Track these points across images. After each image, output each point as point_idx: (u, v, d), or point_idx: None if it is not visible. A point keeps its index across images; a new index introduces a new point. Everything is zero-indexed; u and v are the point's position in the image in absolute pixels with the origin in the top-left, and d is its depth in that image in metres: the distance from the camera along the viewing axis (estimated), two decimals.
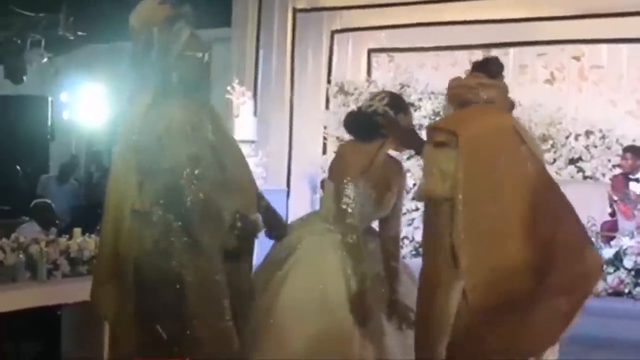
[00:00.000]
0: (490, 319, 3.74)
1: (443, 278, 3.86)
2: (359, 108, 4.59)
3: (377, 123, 4.37)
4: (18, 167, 13.90)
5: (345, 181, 4.31)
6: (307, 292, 4.21)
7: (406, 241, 10.76)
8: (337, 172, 4.42)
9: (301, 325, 4.15)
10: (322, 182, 4.54)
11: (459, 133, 3.81)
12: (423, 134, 4.12)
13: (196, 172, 3.79)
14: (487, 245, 3.78)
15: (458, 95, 4.10)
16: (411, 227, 11.06)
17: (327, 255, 4.30)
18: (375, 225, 4.66)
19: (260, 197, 4.18)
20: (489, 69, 4.09)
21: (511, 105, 4.14)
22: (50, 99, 15.44)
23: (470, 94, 4.03)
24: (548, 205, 3.84)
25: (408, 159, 11.54)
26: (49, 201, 9.07)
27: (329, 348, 4.13)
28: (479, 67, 4.12)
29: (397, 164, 4.61)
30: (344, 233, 4.30)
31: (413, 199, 11.21)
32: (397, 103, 4.47)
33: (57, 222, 8.78)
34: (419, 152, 4.18)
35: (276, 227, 4.19)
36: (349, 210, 4.31)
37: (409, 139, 4.30)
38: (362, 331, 4.17)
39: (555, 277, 3.73)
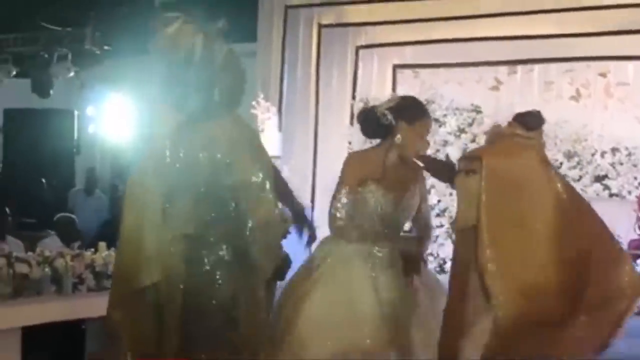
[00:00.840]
0: (523, 334, 3.73)
1: (468, 318, 3.86)
2: (373, 107, 4.59)
3: (381, 123, 4.35)
4: (43, 180, 13.96)
5: (344, 190, 4.31)
6: (333, 305, 4.18)
7: (430, 257, 10.72)
8: (341, 179, 4.43)
9: (325, 340, 4.13)
10: None
11: (483, 157, 3.83)
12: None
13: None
14: (516, 271, 3.77)
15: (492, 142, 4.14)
16: (435, 244, 11.02)
17: (354, 266, 4.29)
18: None
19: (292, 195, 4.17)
20: (527, 121, 4.08)
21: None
22: (76, 112, 15.53)
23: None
24: (581, 225, 3.83)
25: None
26: (72, 216, 9.10)
27: None
28: (517, 118, 4.11)
29: (413, 163, 4.58)
30: (373, 242, 4.31)
31: (438, 215, 11.22)
32: (403, 109, 4.44)
33: (79, 237, 8.80)
34: (450, 182, 4.16)
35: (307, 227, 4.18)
36: (338, 215, 4.32)
37: (437, 169, 4.28)
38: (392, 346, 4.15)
39: (590, 296, 3.72)
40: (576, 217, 3.86)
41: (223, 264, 3.81)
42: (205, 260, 3.82)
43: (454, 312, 3.94)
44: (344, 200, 4.33)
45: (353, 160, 4.51)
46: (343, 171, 4.45)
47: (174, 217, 3.87)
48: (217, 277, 3.80)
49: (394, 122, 4.38)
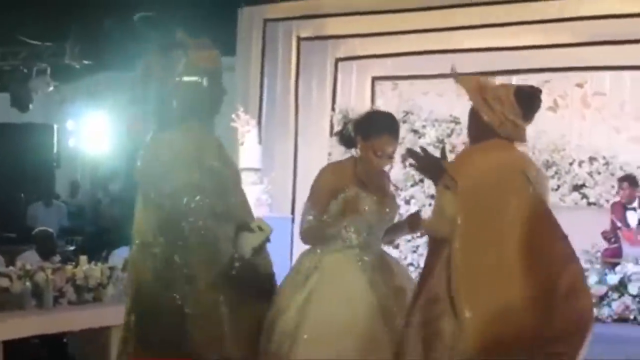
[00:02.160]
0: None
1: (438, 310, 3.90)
2: (344, 123, 4.65)
3: (344, 141, 4.50)
4: (22, 195, 13.92)
5: (320, 202, 4.35)
6: (335, 310, 4.20)
7: (412, 268, 10.76)
8: (314, 190, 4.47)
9: (331, 346, 4.13)
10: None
11: (458, 179, 3.87)
12: None
13: (195, 199, 3.80)
14: (486, 294, 3.80)
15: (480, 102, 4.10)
16: (416, 254, 11.07)
17: (349, 271, 4.32)
18: None
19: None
20: (525, 100, 4.08)
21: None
22: (56, 126, 15.51)
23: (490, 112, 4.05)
24: (551, 249, 3.87)
25: (412, 186, 11.57)
26: (50, 230, 9.06)
27: None
28: (517, 93, 4.07)
29: (384, 172, 4.63)
30: (361, 248, 4.35)
31: None
32: (360, 124, 4.50)
33: (56, 251, 8.77)
34: (435, 183, 4.19)
35: None
36: (318, 225, 4.36)
37: (425, 166, 4.28)
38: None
39: (557, 320, 3.77)
40: (548, 241, 3.90)
41: (167, 273, 3.84)
42: (151, 268, 3.87)
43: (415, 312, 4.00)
44: (329, 209, 4.36)
45: (326, 172, 4.54)
46: (314, 187, 4.46)
47: (135, 226, 3.97)
48: (162, 287, 3.83)
49: (354, 136, 4.44)
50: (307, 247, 4.52)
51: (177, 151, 3.86)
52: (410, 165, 4.42)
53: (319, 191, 4.41)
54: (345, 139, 4.50)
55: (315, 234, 4.40)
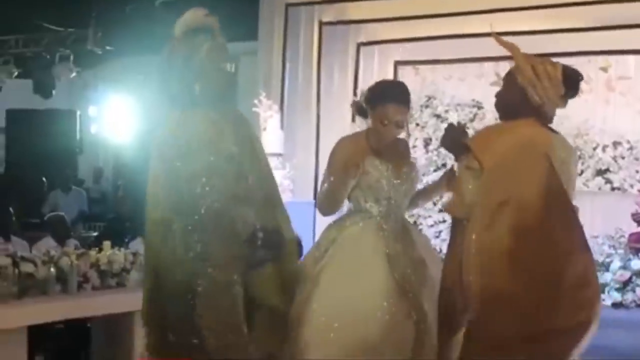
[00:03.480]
0: (495, 353, 3.75)
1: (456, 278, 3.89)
2: (359, 96, 4.68)
3: (358, 111, 4.59)
4: (44, 179, 13.99)
5: (356, 167, 4.35)
6: (345, 283, 4.19)
7: None
8: (330, 163, 4.47)
9: (339, 318, 4.13)
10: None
11: (483, 165, 3.83)
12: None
13: (211, 182, 3.81)
14: (494, 276, 3.78)
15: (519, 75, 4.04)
16: (439, 240, 11.05)
17: (365, 242, 4.32)
18: None
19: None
20: (570, 81, 4.03)
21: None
22: (78, 112, 15.59)
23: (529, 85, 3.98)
24: (566, 241, 3.84)
25: (435, 171, 11.54)
26: (62, 214, 9.10)
27: (370, 332, 4.12)
28: (565, 72, 4.03)
29: (400, 140, 4.65)
30: (382, 217, 4.35)
31: (440, 210, 11.24)
32: (368, 94, 4.55)
33: (70, 234, 8.81)
34: (456, 159, 4.17)
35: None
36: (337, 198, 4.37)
37: (450, 144, 4.24)
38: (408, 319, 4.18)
39: (563, 310, 3.74)
40: (560, 230, 3.84)
41: (181, 251, 3.85)
42: (168, 244, 3.89)
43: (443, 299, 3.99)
44: (349, 180, 4.38)
45: (342, 143, 4.55)
46: (331, 157, 4.48)
47: (150, 201, 3.99)
48: (177, 261, 3.85)
49: (365, 107, 4.49)
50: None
51: (196, 134, 3.87)
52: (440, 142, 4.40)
53: (336, 162, 4.43)
54: (359, 109, 4.53)
55: (330, 197, 4.40)
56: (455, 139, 4.14)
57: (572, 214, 3.90)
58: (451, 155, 4.28)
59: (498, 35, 4.16)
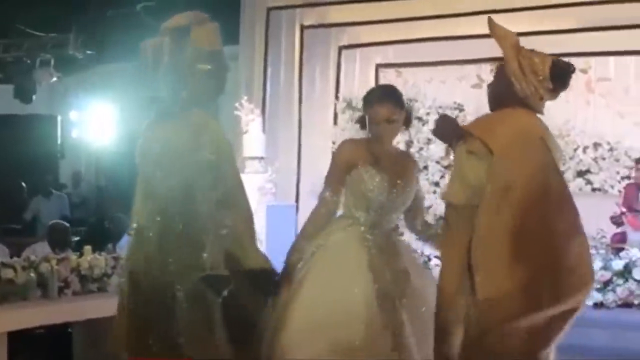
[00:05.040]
0: (498, 336, 3.76)
1: (454, 294, 3.89)
2: None
3: (359, 119, 4.57)
4: (23, 184, 13.92)
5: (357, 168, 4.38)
6: (330, 285, 4.20)
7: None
8: (332, 165, 4.49)
9: (317, 323, 4.13)
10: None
11: (493, 149, 3.84)
12: (432, 147, 4.15)
13: (191, 191, 3.80)
14: (500, 261, 3.79)
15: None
16: (420, 242, 11.03)
17: (352, 251, 4.33)
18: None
19: None
20: (559, 75, 4.03)
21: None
22: (59, 117, 15.53)
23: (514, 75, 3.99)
24: (562, 223, 3.86)
25: None
26: (66, 223, 9.05)
27: (351, 339, 4.12)
28: (553, 67, 4.03)
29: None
30: (368, 227, 4.37)
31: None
32: (365, 100, 4.58)
33: (71, 245, 8.76)
34: (450, 145, 4.16)
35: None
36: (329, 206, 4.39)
37: (442, 131, 4.24)
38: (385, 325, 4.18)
39: (556, 293, 3.76)
40: (559, 215, 3.88)
41: (161, 257, 3.84)
42: (145, 253, 3.88)
43: (445, 286, 3.98)
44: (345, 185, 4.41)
45: (346, 146, 4.59)
46: (333, 159, 4.53)
47: (133, 210, 4.00)
48: (154, 270, 3.84)
49: (365, 113, 4.54)
50: None
51: (174, 144, 3.86)
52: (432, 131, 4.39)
53: (336, 164, 4.49)
54: (362, 123, 4.58)
55: (325, 214, 4.42)
56: (449, 127, 4.15)
57: (568, 196, 3.93)
58: (433, 158, 4.32)
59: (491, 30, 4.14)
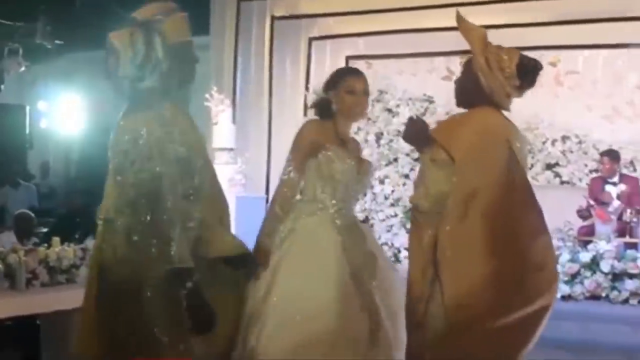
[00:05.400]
0: (463, 343, 3.78)
1: (423, 287, 3.91)
2: (315, 97, 4.68)
3: (320, 107, 4.53)
4: None
5: (324, 152, 4.36)
6: (307, 277, 4.19)
7: (385, 247, 10.79)
8: (295, 146, 4.47)
9: (301, 312, 4.12)
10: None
11: (454, 156, 3.85)
12: (400, 140, 4.12)
13: (159, 186, 3.78)
14: (469, 264, 3.81)
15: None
16: (390, 234, 11.10)
17: (324, 235, 4.32)
18: None
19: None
20: (526, 71, 4.03)
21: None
22: (27, 107, 15.41)
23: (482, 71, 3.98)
24: (527, 224, 3.88)
25: (386, 165, 11.58)
26: (31, 213, 9.00)
27: (331, 323, 4.12)
28: (519, 64, 4.03)
29: (356, 141, 4.73)
30: (335, 210, 4.36)
31: (392, 205, 11.29)
32: (327, 81, 4.58)
33: (36, 233, 8.73)
34: (419, 151, 4.19)
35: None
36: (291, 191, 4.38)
37: (412, 137, 4.26)
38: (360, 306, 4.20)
39: (524, 293, 3.78)
40: (524, 213, 3.89)
41: (129, 252, 3.83)
42: (113, 245, 3.86)
43: (410, 283, 4.00)
44: (308, 166, 4.38)
45: (310, 125, 4.56)
46: (297, 138, 4.48)
47: (104, 202, 3.97)
48: (123, 261, 3.82)
49: (327, 96, 4.50)
50: None
51: (143, 139, 3.83)
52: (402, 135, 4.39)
53: (300, 144, 4.44)
54: (321, 105, 4.52)
55: (290, 196, 4.39)
56: (417, 132, 4.16)
57: (531, 196, 3.95)
58: (403, 150, 4.32)
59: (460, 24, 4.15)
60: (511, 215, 3.86)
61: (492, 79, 3.98)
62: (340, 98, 4.47)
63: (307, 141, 4.43)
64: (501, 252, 3.80)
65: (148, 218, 3.78)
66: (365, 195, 11.54)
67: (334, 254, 4.26)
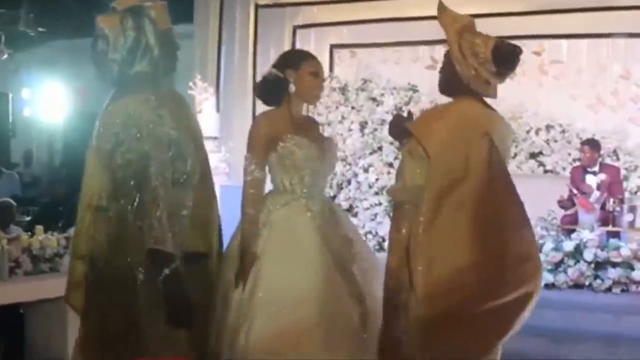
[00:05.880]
0: (442, 331, 3.79)
1: (401, 276, 3.92)
2: (263, 76, 4.59)
3: (275, 84, 4.39)
4: None
5: (281, 145, 4.31)
6: (291, 271, 4.15)
7: (369, 236, 10.81)
8: (251, 145, 4.40)
9: (290, 308, 4.09)
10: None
11: (428, 150, 3.85)
12: (385, 128, 4.08)
13: (150, 169, 3.77)
14: (441, 261, 3.82)
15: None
16: (374, 222, 11.11)
17: (300, 225, 4.28)
18: None
19: None
20: (502, 58, 3.98)
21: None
22: (10, 95, 15.33)
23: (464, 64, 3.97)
24: (509, 216, 3.88)
25: (370, 154, 11.59)
26: (11, 200, 8.98)
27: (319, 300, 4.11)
28: (495, 50, 3.94)
29: (314, 120, 4.67)
30: (307, 198, 4.32)
31: (376, 193, 11.30)
32: (286, 59, 4.47)
33: (15, 221, 8.70)
34: (400, 143, 4.19)
35: None
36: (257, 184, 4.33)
37: (393, 129, 4.26)
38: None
39: (507, 285, 3.79)
40: (504, 207, 3.89)
41: (124, 237, 3.82)
42: (107, 232, 3.85)
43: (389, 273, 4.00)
44: (269, 161, 4.32)
45: (262, 119, 4.49)
46: (252, 136, 4.40)
47: (90, 187, 3.93)
48: (116, 249, 3.81)
49: (283, 75, 4.42)
50: None
51: (131, 122, 3.81)
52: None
53: (255, 141, 4.36)
54: (273, 85, 4.43)
55: (258, 194, 4.35)
56: (399, 125, 4.15)
57: (513, 190, 3.94)
58: (387, 139, 4.31)
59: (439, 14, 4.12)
60: (493, 207, 3.86)
61: (466, 65, 3.94)
62: (302, 79, 4.40)
63: (262, 137, 4.30)
64: (480, 245, 3.80)
65: (137, 200, 3.77)
66: (349, 183, 11.57)
67: (314, 241, 4.22)
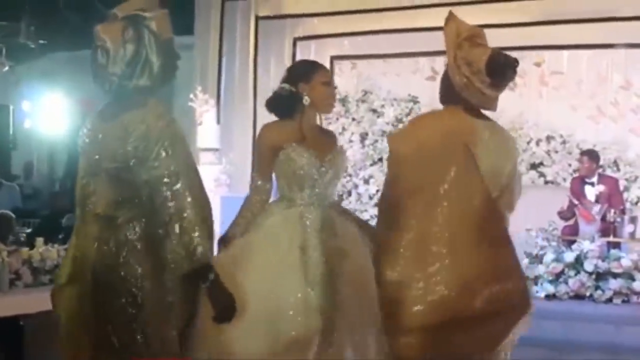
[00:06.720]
0: (439, 339, 3.78)
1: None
2: (274, 92, 4.59)
3: (287, 102, 4.39)
4: None
5: (283, 150, 4.31)
6: (267, 275, 4.13)
7: (373, 222, 10.78)
8: (258, 153, 4.43)
9: (266, 313, 4.08)
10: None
11: (390, 146, 3.91)
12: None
13: (176, 187, 3.77)
14: (406, 267, 3.83)
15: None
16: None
17: (286, 232, 4.27)
18: None
19: None
20: (496, 69, 3.95)
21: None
22: (11, 107, 15.32)
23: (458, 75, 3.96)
24: (482, 232, 3.85)
25: (371, 165, 11.59)
26: (10, 213, 8.97)
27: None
28: (490, 62, 3.91)
29: (327, 130, 4.63)
30: (305, 206, 4.31)
31: (376, 205, 11.29)
32: (296, 73, 4.45)
33: (14, 233, 8.69)
34: None
35: None
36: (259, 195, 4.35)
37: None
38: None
39: (486, 301, 3.77)
40: (484, 221, 3.86)
41: (129, 246, 3.81)
42: (112, 240, 3.84)
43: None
44: (270, 172, 4.34)
45: (268, 130, 4.50)
46: (258, 141, 4.42)
47: (89, 196, 3.92)
48: (122, 258, 3.81)
49: (295, 89, 4.42)
50: None
51: (153, 135, 3.79)
52: None
53: (261, 151, 4.39)
54: (287, 100, 4.43)
55: (262, 201, 4.37)
56: None
57: (492, 206, 3.90)
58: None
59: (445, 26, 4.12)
60: (465, 221, 3.83)
61: (459, 75, 3.92)
62: (315, 90, 4.41)
63: (268, 147, 4.33)
64: (449, 257, 3.79)
65: (167, 217, 3.77)
66: (349, 194, 11.57)
67: (293, 257, 4.21)
